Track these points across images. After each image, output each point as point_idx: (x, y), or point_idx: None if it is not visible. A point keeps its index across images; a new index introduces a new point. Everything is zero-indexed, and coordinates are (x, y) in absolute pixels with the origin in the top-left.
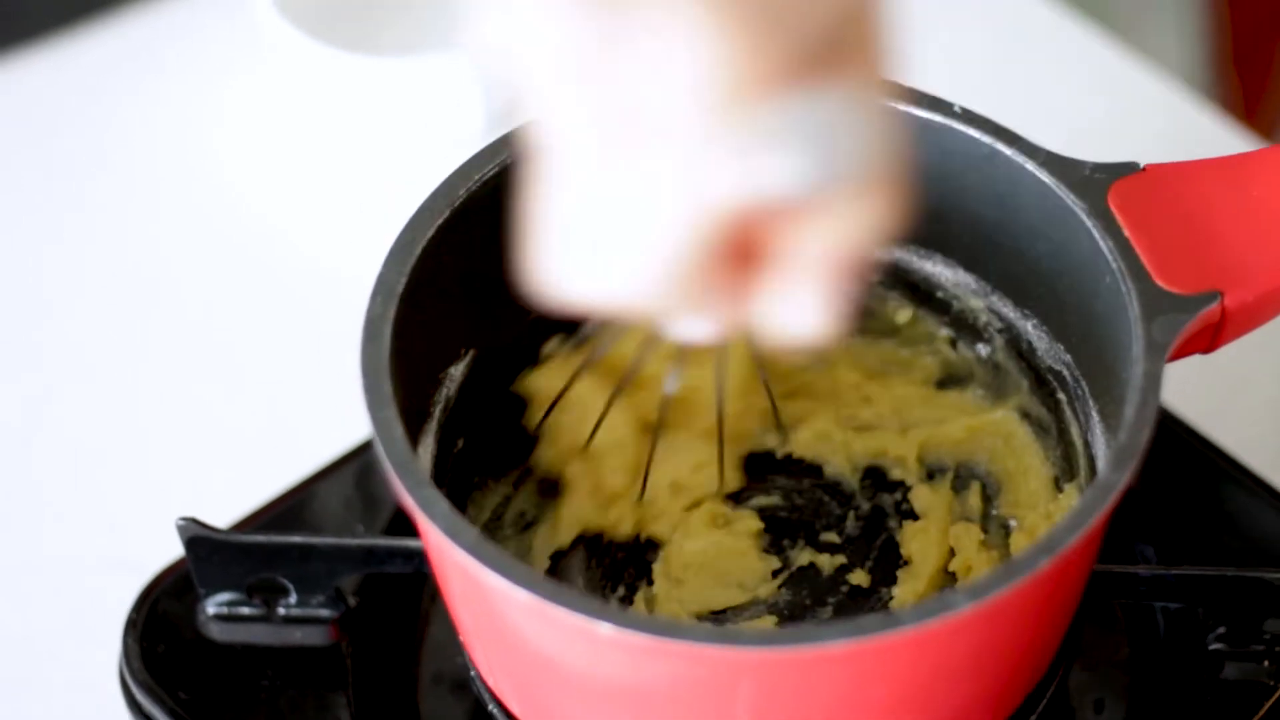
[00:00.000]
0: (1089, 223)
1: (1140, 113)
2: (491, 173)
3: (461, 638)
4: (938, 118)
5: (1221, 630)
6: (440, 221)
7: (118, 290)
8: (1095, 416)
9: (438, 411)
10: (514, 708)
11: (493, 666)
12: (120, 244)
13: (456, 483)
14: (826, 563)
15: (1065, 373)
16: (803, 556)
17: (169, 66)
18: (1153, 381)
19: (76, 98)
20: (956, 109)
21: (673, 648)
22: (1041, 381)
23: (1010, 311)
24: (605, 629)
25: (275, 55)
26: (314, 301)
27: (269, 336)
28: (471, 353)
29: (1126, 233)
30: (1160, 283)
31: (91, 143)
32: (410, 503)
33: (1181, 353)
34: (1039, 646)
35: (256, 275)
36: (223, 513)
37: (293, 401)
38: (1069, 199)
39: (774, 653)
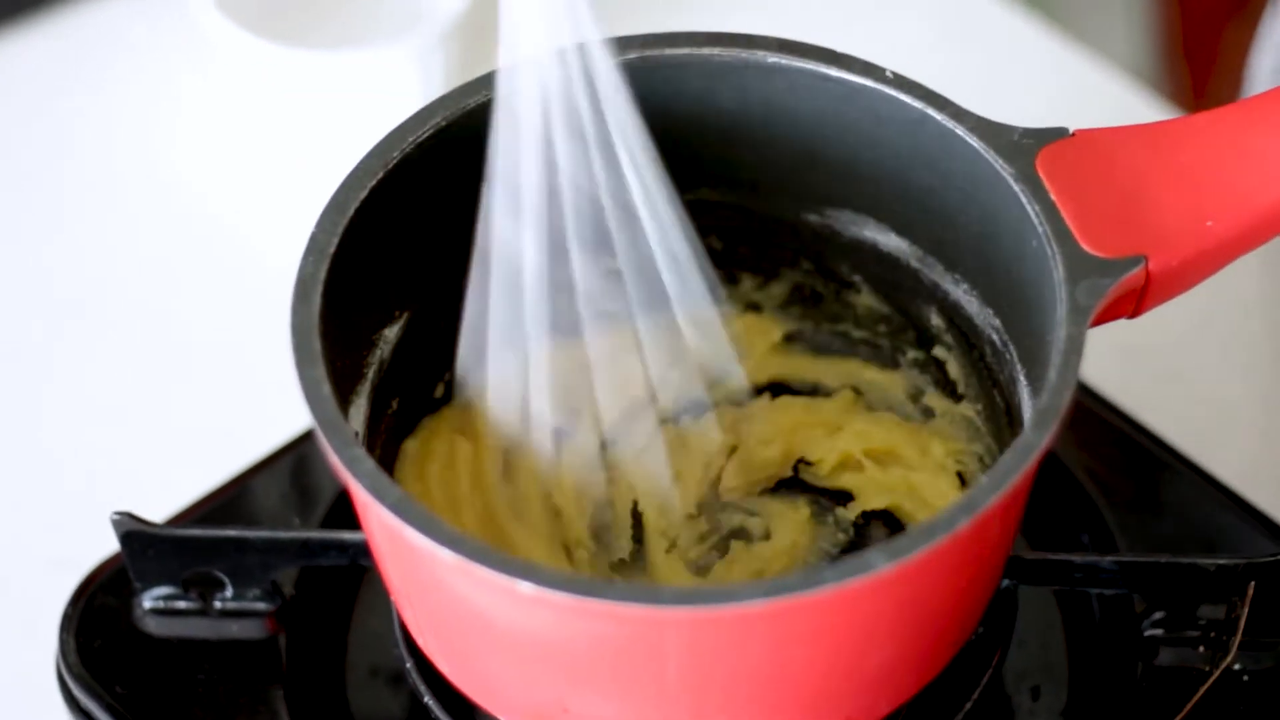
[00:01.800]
0: (1016, 187)
1: (1086, 105)
2: (426, 135)
3: (392, 597)
4: (869, 82)
5: (1158, 616)
6: (374, 183)
7: (55, 284)
8: (1023, 381)
9: (371, 373)
10: (443, 667)
11: (422, 627)
12: (57, 238)
13: (390, 444)
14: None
15: (995, 338)
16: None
17: (109, 64)
18: (1075, 344)
19: (11, 95)
20: (888, 74)
21: (593, 607)
22: (971, 349)
23: (941, 276)
24: (526, 588)
25: (214, 50)
26: (254, 295)
27: (208, 329)
28: (406, 314)
29: (1053, 197)
30: (1085, 247)
31: (30, 139)
32: (336, 461)
33: (1106, 317)
34: (963, 607)
35: (195, 269)
36: (161, 506)
37: (231, 395)
38: (997, 164)
39: (694, 612)
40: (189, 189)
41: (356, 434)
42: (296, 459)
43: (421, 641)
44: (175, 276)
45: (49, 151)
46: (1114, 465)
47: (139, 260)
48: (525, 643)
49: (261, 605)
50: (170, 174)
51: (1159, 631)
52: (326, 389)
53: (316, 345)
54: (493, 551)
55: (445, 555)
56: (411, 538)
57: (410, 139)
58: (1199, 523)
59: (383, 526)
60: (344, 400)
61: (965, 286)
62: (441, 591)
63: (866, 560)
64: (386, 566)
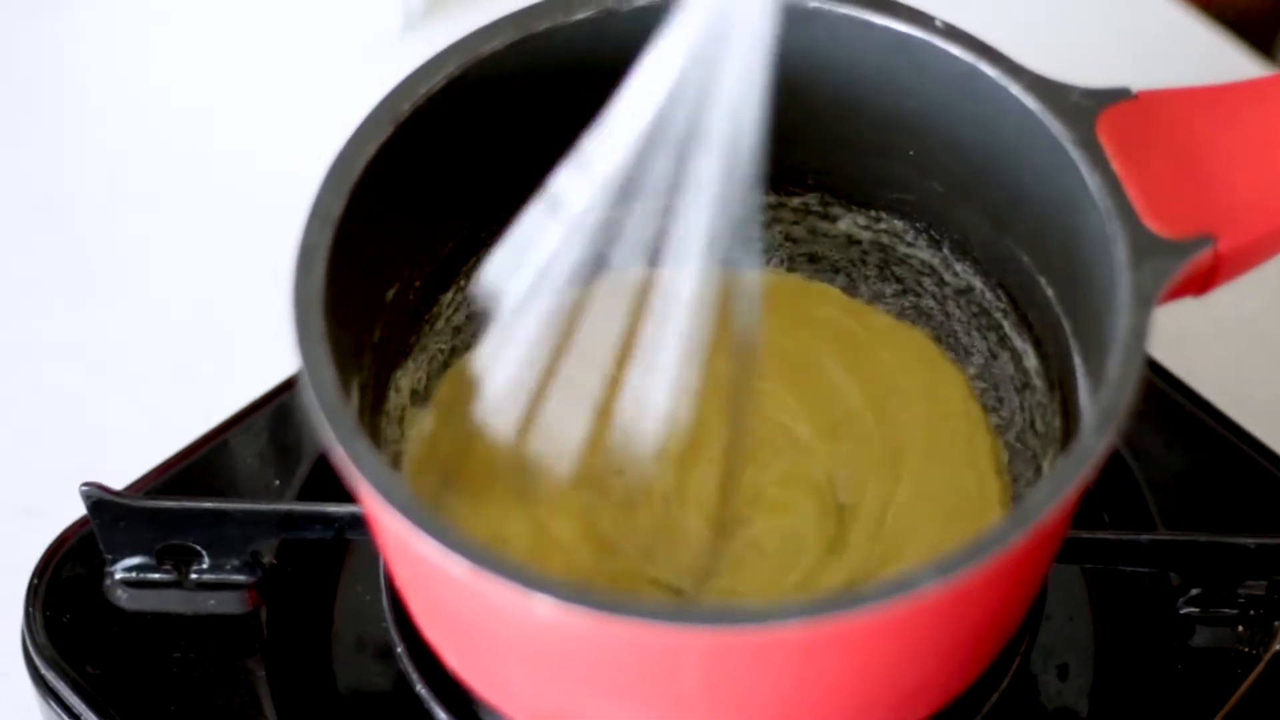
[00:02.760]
0: (1074, 154)
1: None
2: (438, 85)
3: (397, 586)
4: (917, 32)
5: (1195, 593)
6: (383, 139)
7: (19, 210)
8: (1078, 359)
9: (372, 341)
10: (450, 659)
11: (428, 619)
12: (22, 156)
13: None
14: None
15: (1049, 309)
16: None
17: None
18: (1138, 336)
19: None
20: (938, 23)
21: (616, 624)
22: (1023, 319)
23: (991, 235)
24: (542, 602)
25: None
26: (234, 217)
27: (189, 256)
28: (415, 277)
29: (1114, 166)
30: (1149, 224)
31: None
32: (341, 455)
33: (1171, 297)
34: (1010, 612)
35: (168, 188)
36: (138, 445)
37: (216, 327)
38: (1054, 127)
39: (722, 633)
40: (160, 96)
41: (358, 412)
42: (275, 411)
43: (427, 631)
44: (150, 199)
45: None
46: (1151, 427)
47: (115, 183)
48: (540, 650)
49: (241, 577)
50: (137, 80)
51: (1195, 610)
52: (331, 374)
53: (320, 322)
54: (507, 561)
55: (457, 563)
56: (420, 544)
57: (421, 90)
58: (1244, 492)
59: (388, 527)
60: (347, 376)
61: (1019, 251)
62: (451, 593)
63: (912, 578)
64: (391, 559)
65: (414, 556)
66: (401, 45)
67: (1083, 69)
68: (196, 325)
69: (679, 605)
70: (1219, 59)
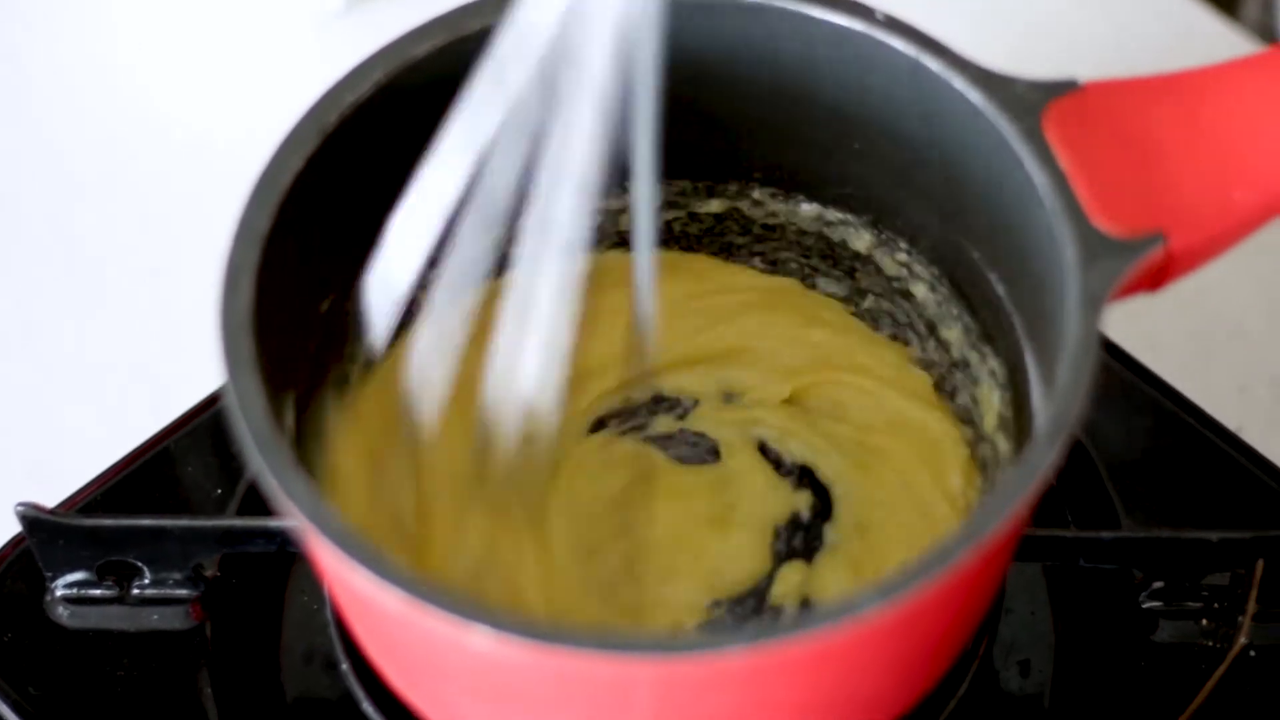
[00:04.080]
0: (1020, 150)
1: None
2: (366, 93)
3: (340, 614)
4: (858, 25)
5: (1157, 586)
6: (310, 151)
7: None
8: (1029, 355)
9: (304, 356)
10: (395, 682)
11: (371, 642)
12: None
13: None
14: None
15: (1001, 307)
16: None
17: None
18: (1088, 341)
19: None
20: (879, 16)
21: (555, 655)
22: (975, 314)
23: (940, 230)
24: (480, 634)
25: None
26: (183, 210)
27: (135, 251)
28: (349, 285)
29: (1062, 162)
30: (1098, 223)
31: None
32: (273, 486)
33: (1123, 295)
34: (964, 624)
35: (114, 178)
36: (81, 443)
37: (170, 328)
38: (999, 122)
39: (667, 662)
40: (98, 76)
41: (294, 430)
42: (215, 417)
43: (372, 653)
44: (96, 189)
45: None
46: (1111, 413)
47: (61, 174)
48: (481, 677)
49: (184, 591)
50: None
51: (1158, 604)
52: (261, 402)
53: (249, 346)
54: (445, 592)
55: (391, 594)
56: (354, 576)
57: (349, 99)
58: (1207, 478)
59: (322, 558)
60: (278, 398)
61: (969, 249)
62: (390, 623)
63: (854, 602)
64: (330, 586)
65: (350, 588)
66: (348, 20)
67: (1045, 28)
68: (151, 321)
69: (618, 634)
70: (1180, 18)
